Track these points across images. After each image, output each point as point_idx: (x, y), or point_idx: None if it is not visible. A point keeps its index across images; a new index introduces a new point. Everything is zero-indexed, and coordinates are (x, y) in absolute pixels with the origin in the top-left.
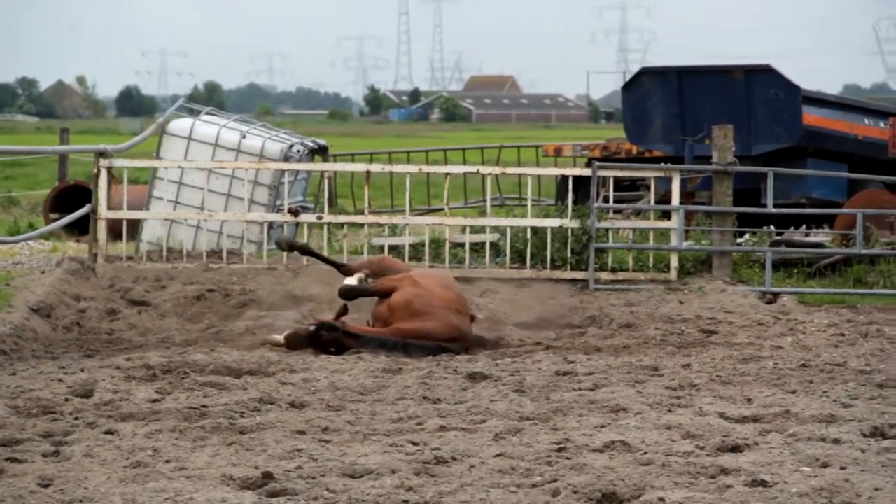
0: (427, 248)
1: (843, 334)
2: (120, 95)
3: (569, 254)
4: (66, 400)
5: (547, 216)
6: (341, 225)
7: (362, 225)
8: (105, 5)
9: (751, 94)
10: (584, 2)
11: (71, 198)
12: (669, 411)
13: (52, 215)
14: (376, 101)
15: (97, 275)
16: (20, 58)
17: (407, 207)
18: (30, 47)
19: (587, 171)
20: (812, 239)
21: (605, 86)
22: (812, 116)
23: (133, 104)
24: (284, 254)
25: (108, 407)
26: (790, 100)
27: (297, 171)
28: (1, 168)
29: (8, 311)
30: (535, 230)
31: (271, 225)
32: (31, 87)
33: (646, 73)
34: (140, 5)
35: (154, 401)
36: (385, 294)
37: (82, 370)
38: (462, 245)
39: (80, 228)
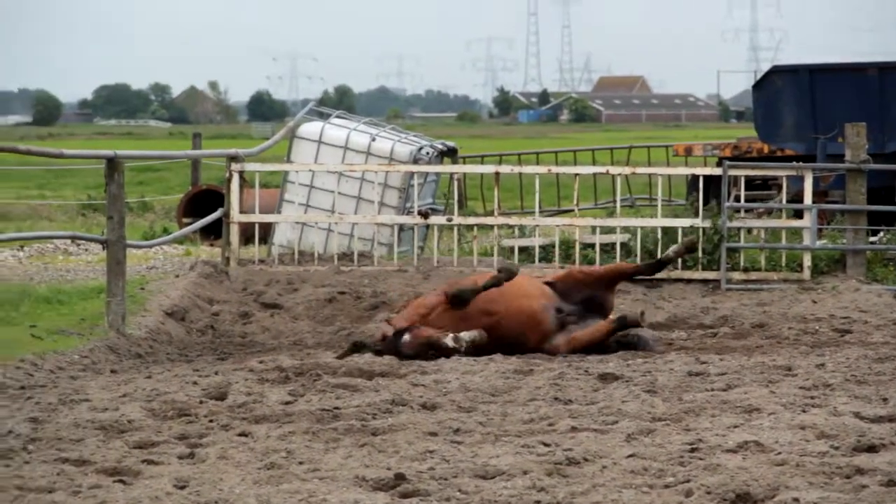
0: (557, 250)
1: None
2: (251, 100)
3: (700, 254)
4: (201, 402)
5: (677, 216)
6: (471, 227)
7: (492, 226)
8: (236, 10)
9: (884, 91)
10: (715, 1)
11: (203, 202)
12: (803, 411)
13: (185, 220)
14: (505, 103)
15: (230, 278)
16: (153, 64)
17: (536, 208)
18: (162, 53)
19: (718, 171)
20: None
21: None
22: None
23: (264, 108)
24: (415, 255)
25: (241, 409)
26: None
27: (427, 174)
28: (134, 174)
29: (143, 314)
30: (665, 230)
31: (401, 227)
32: (164, 92)
33: (777, 72)
34: (271, 10)
35: (287, 403)
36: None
37: (216, 373)
38: (592, 246)
39: (213, 232)
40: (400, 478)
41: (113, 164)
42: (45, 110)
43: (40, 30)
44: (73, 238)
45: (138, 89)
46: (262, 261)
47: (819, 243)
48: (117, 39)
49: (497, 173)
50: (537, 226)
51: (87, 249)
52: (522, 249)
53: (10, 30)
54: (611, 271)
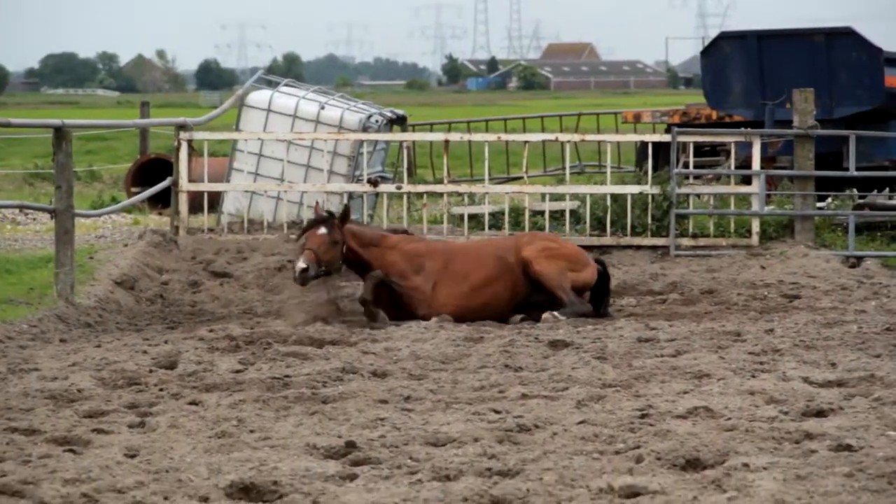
0: (507, 217)
1: None
2: (200, 69)
3: (649, 220)
4: (151, 371)
5: (627, 183)
6: (420, 194)
7: (441, 194)
8: None
9: (832, 57)
10: None
11: (152, 171)
12: (753, 377)
13: (133, 189)
14: (454, 71)
15: (179, 247)
16: (100, 32)
17: (486, 176)
18: (109, 21)
19: (667, 138)
20: (895, 202)
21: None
22: (894, 78)
23: (213, 77)
24: (365, 223)
25: (192, 378)
26: (872, 62)
27: (376, 142)
28: (83, 143)
29: (92, 283)
30: (614, 197)
31: (351, 195)
32: (112, 61)
33: (725, 38)
34: None
35: (237, 371)
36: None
37: (166, 342)
38: (542, 213)
39: (162, 201)
40: (351, 445)
41: (60, 133)
42: None
43: None
44: (21, 207)
45: (85, 58)
46: (211, 230)
47: (767, 209)
48: (64, 8)
49: (446, 141)
50: (487, 193)
51: (35, 219)
52: (472, 217)
53: None
54: None
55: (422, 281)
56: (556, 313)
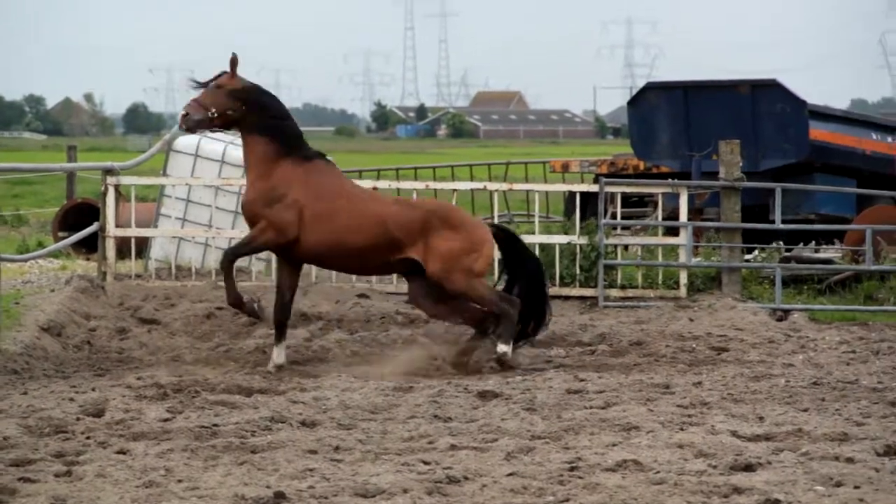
0: None
1: (854, 351)
2: (127, 112)
3: (578, 271)
4: (78, 419)
5: (555, 233)
6: None
7: None
8: (111, 22)
9: (757, 109)
10: (590, 17)
11: (79, 216)
12: (681, 429)
13: (60, 233)
14: (383, 118)
15: (106, 293)
16: (27, 75)
17: None
18: (36, 64)
19: (595, 188)
20: (822, 255)
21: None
22: (819, 131)
23: (141, 121)
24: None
25: (119, 426)
26: (797, 115)
27: None
28: (9, 186)
29: (18, 329)
30: (543, 247)
31: None
32: (39, 104)
33: (651, 89)
34: (147, 23)
35: (165, 420)
36: None
37: (93, 389)
38: None
39: (89, 246)
40: (280, 496)
41: None
42: None
43: None
44: None
45: (12, 100)
46: (138, 276)
47: (695, 261)
48: None
49: (375, 188)
50: None
51: None
52: None
53: None
54: None
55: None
56: (501, 346)
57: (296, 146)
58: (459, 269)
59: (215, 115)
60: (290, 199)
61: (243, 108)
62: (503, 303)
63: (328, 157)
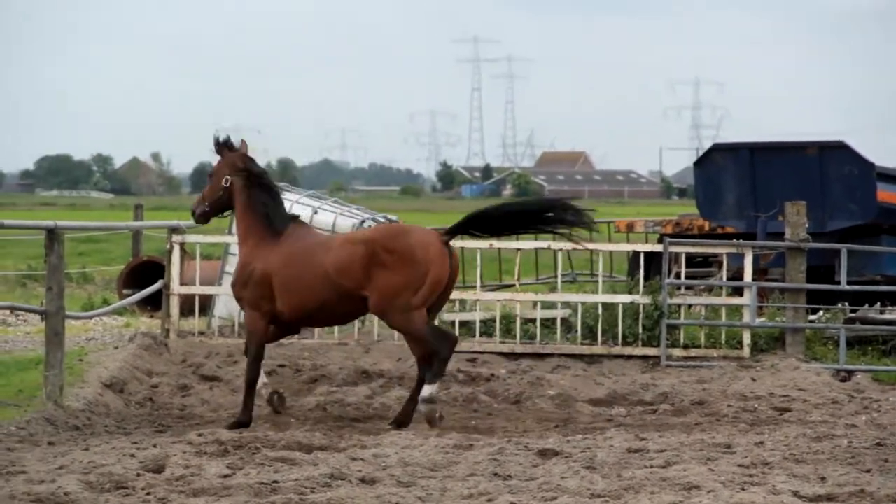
0: (498, 324)
1: None
2: (194, 171)
3: (640, 330)
4: (139, 475)
5: (618, 292)
6: None
7: None
8: (181, 83)
9: (824, 170)
10: (658, 78)
11: (144, 273)
12: (742, 489)
13: (125, 291)
14: (448, 177)
15: (170, 350)
16: (95, 134)
17: (478, 283)
18: (105, 124)
19: (659, 247)
20: (887, 316)
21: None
22: (886, 193)
23: (207, 180)
24: (356, 329)
25: (179, 482)
26: (864, 176)
27: None
28: (75, 244)
29: (81, 386)
30: (606, 306)
31: None
32: (107, 163)
33: (718, 150)
34: (215, 83)
35: (225, 476)
36: None
37: (154, 445)
38: (533, 321)
39: (153, 304)
40: None
41: (53, 234)
42: None
43: None
44: (12, 308)
45: (80, 160)
46: (202, 333)
47: (759, 321)
48: (60, 109)
49: None
50: (478, 300)
51: (25, 320)
52: (463, 323)
53: None
54: None
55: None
56: (425, 389)
57: (271, 219)
58: (396, 307)
59: (208, 208)
60: (258, 274)
61: (228, 196)
62: (436, 340)
63: (300, 218)
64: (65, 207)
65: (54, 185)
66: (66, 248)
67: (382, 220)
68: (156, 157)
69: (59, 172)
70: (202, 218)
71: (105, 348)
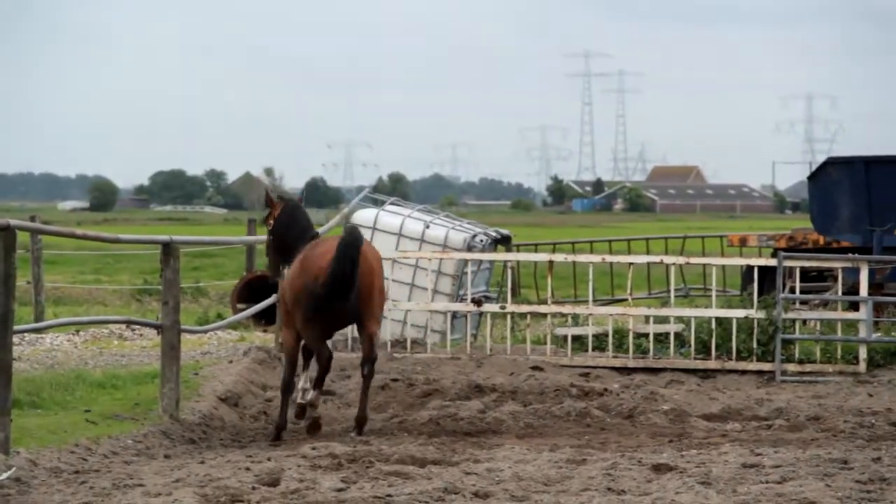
0: (610, 339)
1: None
2: (306, 186)
3: (755, 345)
4: (253, 489)
5: (732, 307)
6: (524, 315)
7: (545, 315)
8: (293, 98)
9: None
10: (770, 92)
11: (258, 288)
12: None
13: (239, 305)
14: (559, 192)
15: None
16: (209, 150)
17: (590, 297)
18: (218, 139)
19: (773, 262)
20: None
21: (791, 176)
22: None
23: (319, 195)
24: (468, 343)
25: (294, 496)
26: None
27: (481, 261)
28: (190, 259)
29: (196, 400)
30: (719, 321)
31: (455, 314)
32: (220, 178)
33: (832, 163)
34: (326, 98)
35: (339, 490)
36: None
37: (269, 459)
38: (646, 335)
39: (267, 318)
40: None
41: (168, 249)
42: (102, 196)
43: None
44: (128, 323)
45: (194, 175)
46: None
47: (875, 336)
48: (173, 125)
49: (550, 261)
50: (590, 315)
51: (141, 334)
52: (576, 338)
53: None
54: None
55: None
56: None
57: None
58: (283, 323)
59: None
60: (280, 294)
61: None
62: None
63: (317, 232)
64: (178, 222)
65: (168, 201)
66: (181, 262)
67: (494, 234)
68: (268, 171)
69: (174, 188)
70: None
71: (220, 362)
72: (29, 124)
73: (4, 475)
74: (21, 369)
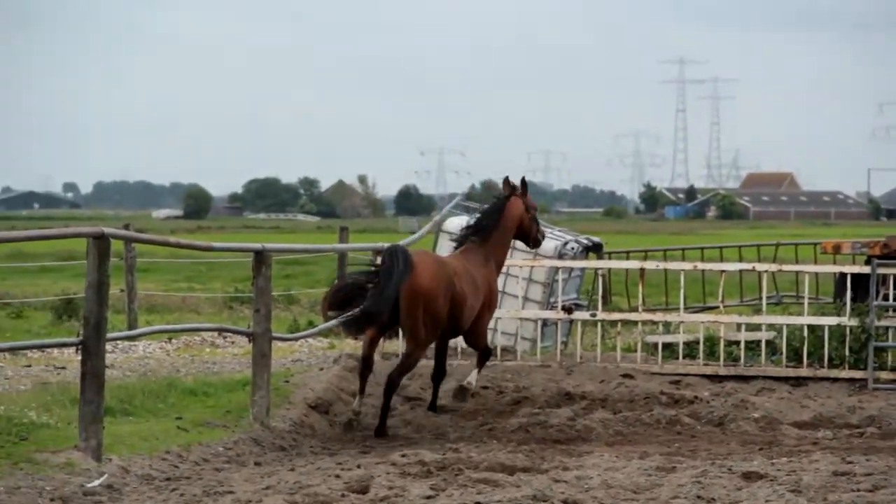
0: (701, 346)
1: None
2: (399, 194)
3: (847, 352)
4: (343, 496)
5: (824, 314)
6: (615, 322)
7: (636, 322)
8: (386, 106)
9: None
10: (865, 98)
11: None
12: None
13: (330, 313)
14: (652, 199)
15: (374, 372)
16: (303, 158)
17: (681, 305)
18: (313, 147)
19: (866, 269)
20: None
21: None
22: None
23: (411, 203)
24: (558, 351)
25: (383, 503)
26: None
27: (572, 269)
28: (281, 266)
29: (287, 407)
30: (812, 328)
31: (545, 322)
32: (313, 186)
33: None
34: (420, 107)
35: (429, 497)
36: None
37: (358, 466)
38: (737, 343)
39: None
40: None
41: (261, 256)
42: (196, 204)
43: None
44: (220, 330)
45: (287, 183)
46: None
47: None
48: (268, 134)
49: (642, 269)
50: (682, 322)
51: (233, 342)
52: (666, 346)
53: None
54: None
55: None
56: None
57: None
58: None
59: None
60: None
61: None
62: None
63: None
64: (271, 230)
65: (262, 209)
66: (273, 269)
67: (586, 241)
68: (362, 179)
69: (267, 195)
70: None
71: (310, 370)
72: (125, 132)
73: (97, 482)
74: (114, 377)
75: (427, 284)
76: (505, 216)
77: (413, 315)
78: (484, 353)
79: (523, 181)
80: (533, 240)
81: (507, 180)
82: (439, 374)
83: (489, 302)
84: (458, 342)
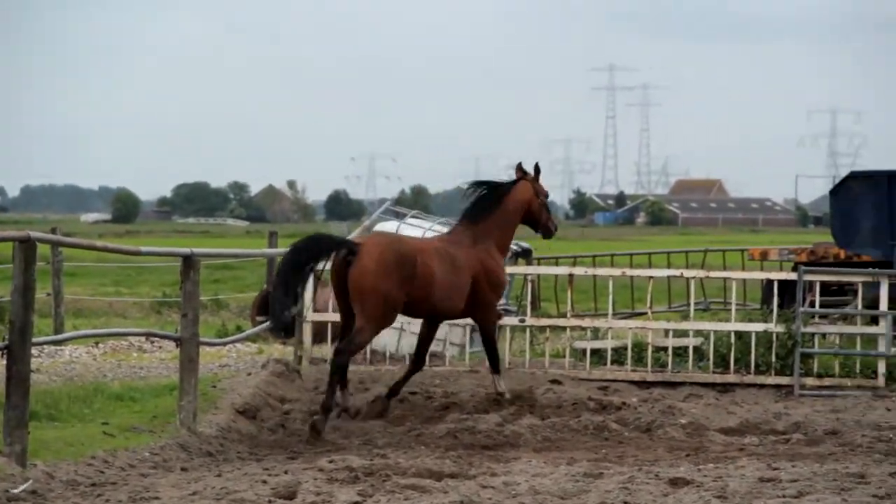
0: (629, 352)
1: None
2: (329, 199)
3: (773, 359)
4: (270, 501)
5: (752, 320)
6: (544, 328)
7: (564, 328)
8: (315, 110)
9: None
10: (793, 106)
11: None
12: None
13: (258, 318)
14: (581, 205)
15: (302, 377)
16: (231, 162)
17: (610, 311)
18: (242, 152)
19: (793, 276)
20: None
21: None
22: None
23: (341, 208)
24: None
25: None
26: None
27: None
28: (210, 271)
29: (214, 412)
30: (739, 334)
31: (473, 328)
32: (243, 191)
33: (854, 177)
34: (350, 111)
35: (356, 503)
36: None
37: (286, 472)
38: (665, 349)
39: (286, 331)
40: None
41: (189, 261)
42: (125, 208)
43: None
44: (148, 335)
45: (217, 187)
46: None
47: (894, 350)
48: (197, 137)
49: (571, 275)
50: (610, 328)
51: (161, 347)
52: (594, 351)
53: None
54: None
55: None
56: None
57: None
58: None
59: None
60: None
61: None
62: None
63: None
64: (200, 235)
65: (191, 213)
66: (202, 274)
67: (515, 247)
68: (291, 184)
69: (196, 200)
70: None
71: (238, 375)
72: (52, 136)
73: (21, 487)
74: (39, 381)
75: (367, 264)
76: (509, 198)
77: (360, 294)
78: (492, 354)
79: (536, 167)
80: (543, 227)
81: (519, 166)
82: (418, 362)
83: (488, 279)
84: (382, 346)
